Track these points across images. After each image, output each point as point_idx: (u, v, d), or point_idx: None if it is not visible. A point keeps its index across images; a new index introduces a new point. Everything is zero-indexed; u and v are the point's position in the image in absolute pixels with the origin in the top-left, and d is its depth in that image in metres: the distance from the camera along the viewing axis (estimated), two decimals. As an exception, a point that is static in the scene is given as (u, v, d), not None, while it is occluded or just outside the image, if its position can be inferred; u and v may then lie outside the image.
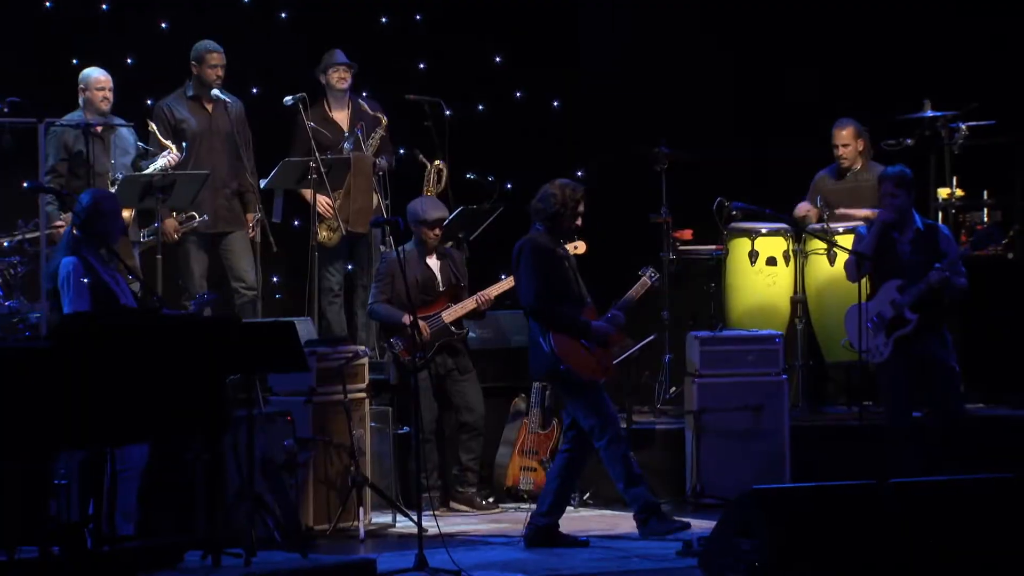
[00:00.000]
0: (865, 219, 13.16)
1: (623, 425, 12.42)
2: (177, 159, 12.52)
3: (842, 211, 13.28)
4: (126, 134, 12.71)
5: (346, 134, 13.12)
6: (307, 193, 12.91)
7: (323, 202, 12.87)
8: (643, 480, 11.11)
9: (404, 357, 11.95)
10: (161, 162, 12.46)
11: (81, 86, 12.55)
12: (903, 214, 11.46)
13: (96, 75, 12.57)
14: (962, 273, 11.37)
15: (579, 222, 11.09)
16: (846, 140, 13.46)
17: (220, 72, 12.89)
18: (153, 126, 12.61)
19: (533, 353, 11.07)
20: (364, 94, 13.30)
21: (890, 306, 11.38)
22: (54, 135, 12.38)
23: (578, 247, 12.12)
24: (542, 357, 10.92)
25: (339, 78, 13.19)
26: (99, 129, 12.52)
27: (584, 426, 10.99)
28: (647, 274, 11.46)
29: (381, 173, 13.15)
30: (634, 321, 12.87)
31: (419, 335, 11.30)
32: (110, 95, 12.55)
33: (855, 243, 11.73)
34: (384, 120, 13.18)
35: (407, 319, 11.44)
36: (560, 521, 11.13)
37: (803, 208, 13.40)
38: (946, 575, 8.90)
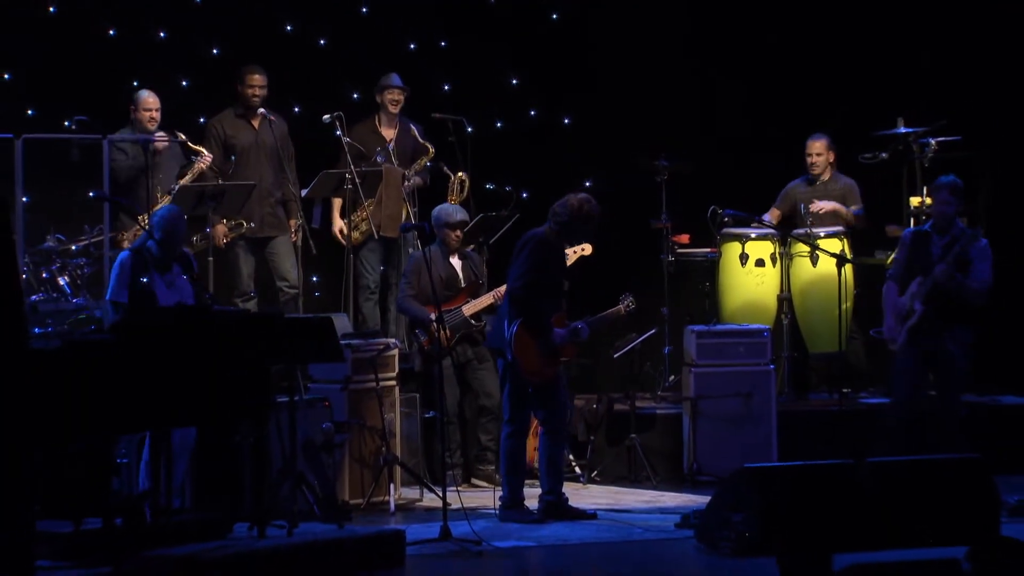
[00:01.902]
0: (834, 211, 13.19)
1: (628, 409, 12.49)
2: (209, 160, 12.51)
3: (816, 205, 13.28)
4: (175, 149, 12.69)
5: (378, 148, 13.11)
6: (337, 204, 12.92)
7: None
8: (522, 474, 11.05)
9: (427, 347, 11.96)
10: (196, 167, 12.47)
11: (132, 106, 12.53)
12: (950, 221, 11.45)
13: (146, 97, 12.54)
14: (978, 279, 11.32)
15: (588, 238, 11.02)
16: (819, 151, 13.52)
17: (257, 92, 12.86)
18: (182, 136, 12.53)
19: (496, 328, 11.06)
20: (411, 125, 13.23)
21: (908, 299, 11.42)
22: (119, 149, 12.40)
23: (585, 249, 12.11)
24: (501, 337, 10.90)
25: (392, 100, 13.16)
26: (159, 146, 12.45)
27: (504, 407, 11.03)
28: (625, 303, 11.43)
29: (409, 184, 13.13)
30: (636, 317, 12.90)
31: (443, 327, 11.29)
32: (157, 116, 12.50)
33: (898, 248, 11.82)
34: (431, 151, 13.15)
35: (432, 314, 11.38)
36: (570, 496, 11.15)
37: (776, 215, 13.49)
38: (913, 544, 8.87)
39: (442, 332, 11.31)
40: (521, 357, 10.82)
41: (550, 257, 10.89)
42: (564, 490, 11.14)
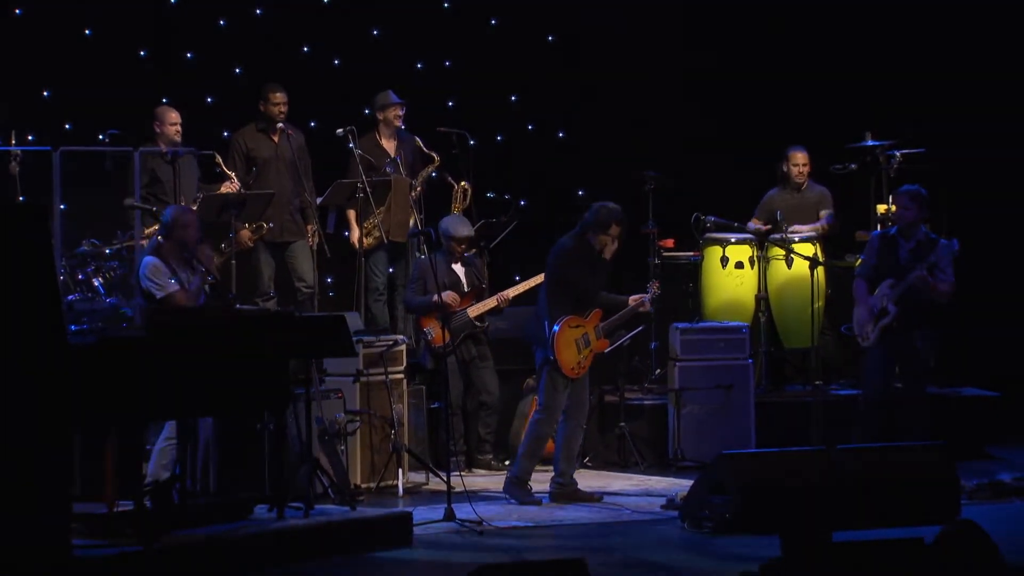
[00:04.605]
0: (813, 230, 13.21)
1: (619, 400, 12.51)
2: (237, 187, 12.46)
3: (794, 227, 13.30)
4: (192, 160, 12.64)
5: (387, 160, 13.11)
6: (352, 215, 12.89)
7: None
8: (537, 459, 11.04)
9: (435, 344, 11.96)
10: (225, 187, 12.43)
11: (156, 121, 12.48)
12: (911, 225, 11.47)
13: (170, 112, 12.51)
14: (945, 280, 11.34)
15: (609, 243, 10.97)
16: (804, 162, 13.51)
17: (282, 108, 12.86)
18: (219, 158, 12.49)
19: (536, 325, 11.04)
20: (413, 136, 13.22)
21: (880, 299, 11.42)
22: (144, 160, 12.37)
23: None
24: (542, 336, 10.92)
25: (396, 116, 13.11)
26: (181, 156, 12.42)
27: (540, 395, 11.01)
28: (650, 293, 11.37)
29: (415, 193, 13.12)
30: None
31: (448, 327, 11.30)
32: (180, 129, 12.48)
33: (865, 249, 11.82)
34: (437, 159, 13.13)
35: (436, 299, 11.35)
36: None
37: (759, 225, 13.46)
38: (879, 524, 8.87)
39: (446, 331, 11.37)
40: (562, 357, 10.84)
41: (578, 262, 10.91)
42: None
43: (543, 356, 10.95)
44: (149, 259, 10.39)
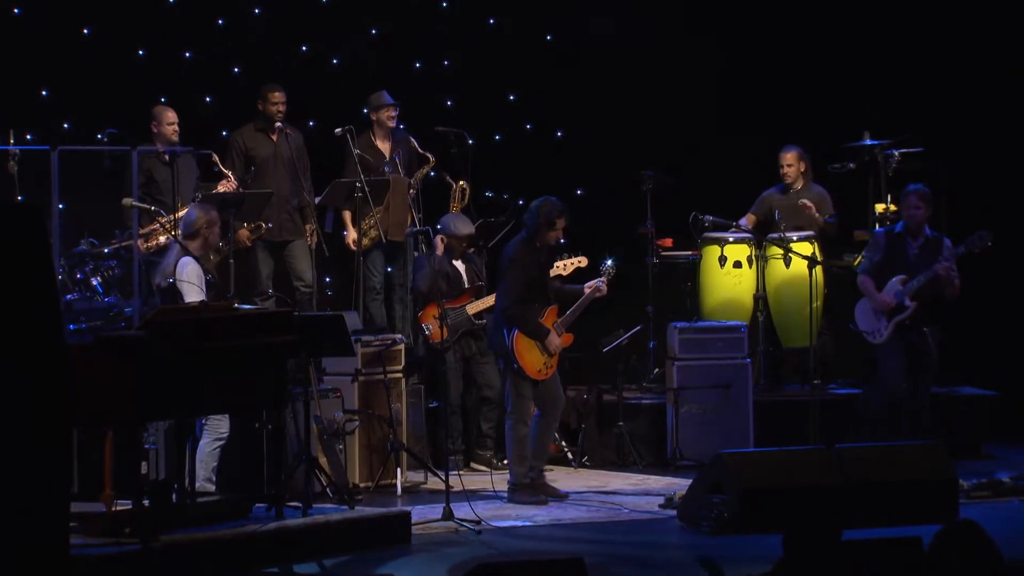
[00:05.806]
0: (812, 210, 13.19)
1: (616, 400, 12.48)
2: (235, 185, 12.44)
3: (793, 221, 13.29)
4: (191, 160, 12.61)
5: (386, 159, 13.10)
6: (348, 216, 12.87)
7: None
8: (526, 462, 11.02)
9: (432, 341, 11.96)
10: (221, 186, 12.40)
11: (154, 121, 12.45)
12: (920, 224, 11.52)
13: (167, 112, 12.48)
14: (957, 276, 11.47)
15: (559, 237, 11.02)
16: (790, 161, 13.48)
17: (281, 108, 12.84)
18: (216, 157, 12.46)
19: (494, 334, 11.07)
20: (409, 136, 13.22)
21: (892, 295, 11.45)
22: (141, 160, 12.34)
23: (582, 261, 12.06)
24: (502, 344, 10.94)
25: (389, 116, 13.11)
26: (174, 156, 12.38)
27: (506, 401, 11.05)
28: (604, 276, 11.36)
29: (413, 192, 13.12)
30: (625, 315, 12.90)
31: (445, 323, 11.29)
32: (178, 128, 12.45)
33: (869, 246, 11.94)
34: (432, 160, 13.12)
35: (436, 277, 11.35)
36: (562, 479, 11.15)
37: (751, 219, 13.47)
38: (878, 523, 8.88)
39: (444, 327, 11.37)
40: (524, 362, 10.85)
41: (529, 264, 10.91)
42: (557, 475, 11.14)
43: (504, 363, 10.98)
44: (189, 260, 10.32)
